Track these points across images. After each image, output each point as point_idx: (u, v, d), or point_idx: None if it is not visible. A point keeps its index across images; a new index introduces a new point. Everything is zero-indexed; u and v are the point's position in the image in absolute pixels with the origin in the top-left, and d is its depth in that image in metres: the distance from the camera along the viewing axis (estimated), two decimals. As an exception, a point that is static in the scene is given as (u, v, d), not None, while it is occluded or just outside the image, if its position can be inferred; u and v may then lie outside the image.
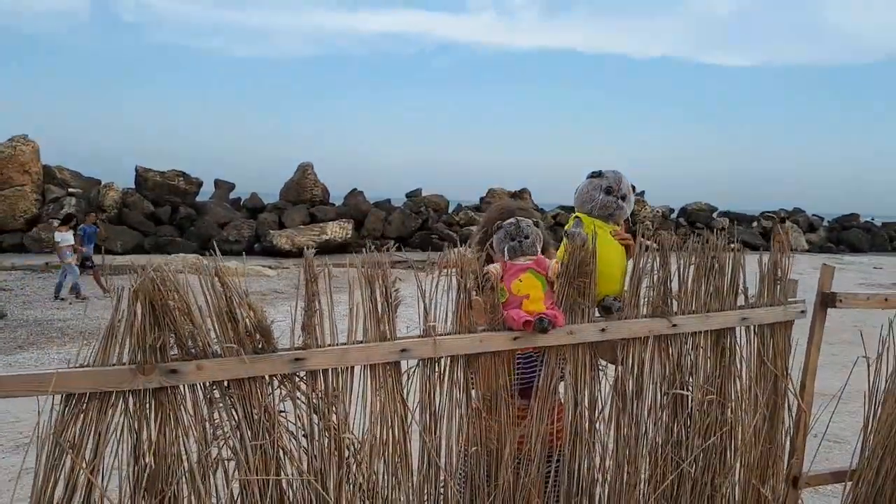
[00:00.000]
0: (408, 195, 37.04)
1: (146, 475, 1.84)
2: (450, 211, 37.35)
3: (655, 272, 2.59)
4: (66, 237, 16.04)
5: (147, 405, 1.87)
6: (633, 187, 2.58)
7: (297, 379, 2.06)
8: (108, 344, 1.83)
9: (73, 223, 17.18)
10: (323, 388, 2.08)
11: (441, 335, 2.21)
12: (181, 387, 1.91)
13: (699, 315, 2.64)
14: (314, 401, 2.07)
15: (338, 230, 31.54)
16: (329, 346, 2.09)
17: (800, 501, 2.96)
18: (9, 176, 28.32)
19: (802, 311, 2.88)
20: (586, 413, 2.47)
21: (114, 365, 1.83)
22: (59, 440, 1.76)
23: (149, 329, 1.85)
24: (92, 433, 1.81)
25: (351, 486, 2.10)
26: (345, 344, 2.12)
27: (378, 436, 2.15)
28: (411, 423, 2.20)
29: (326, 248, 30.46)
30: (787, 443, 2.89)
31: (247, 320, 1.97)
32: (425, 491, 2.21)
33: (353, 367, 2.13)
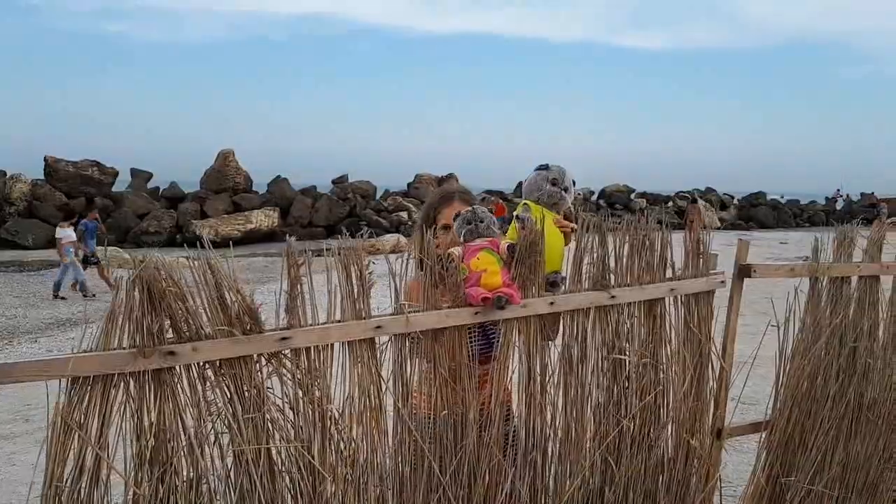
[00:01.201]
0: (334, 181, 36.76)
1: (148, 450, 1.99)
2: (378, 197, 37.33)
3: (595, 250, 2.89)
4: (67, 233, 15.35)
5: (147, 386, 2.01)
6: (574, 182, 2.87)
7: (283, 357, 2.24)
8: (109, 329, 1.96)
9: (74, 219, 16.44)
10: (306, 364, 2.27)
11: (411, 312, 2.43)
12: (177, 367, 2.07)
13: (634, 287, 2.96)
14: (298, 376, 2.26)
15: (263, 218, 31.06)
16: (311, 325, 2.27)
17: (723, 451, 3.35)
18: None
19: (722, 282, 3.25)
20: (538, 378, 2.74)
21: (115, 349, 1.97)
22: (67, 420, 1.89)
23: (147, 314, 1.99)
24: (97, 413, 1.94)
25: (333, 452, 2.30)
26: (325, 323, 2.31)
27: (357, 405, 2.35)
28: (385, 392, 2.42)
29: (253, 237, 29.99)
30: (711, 399, 3.26)
31: (236, 304, 2.13)
32: (400, 453, 2.44)
33: (333, 344, 2.32)
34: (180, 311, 2.05)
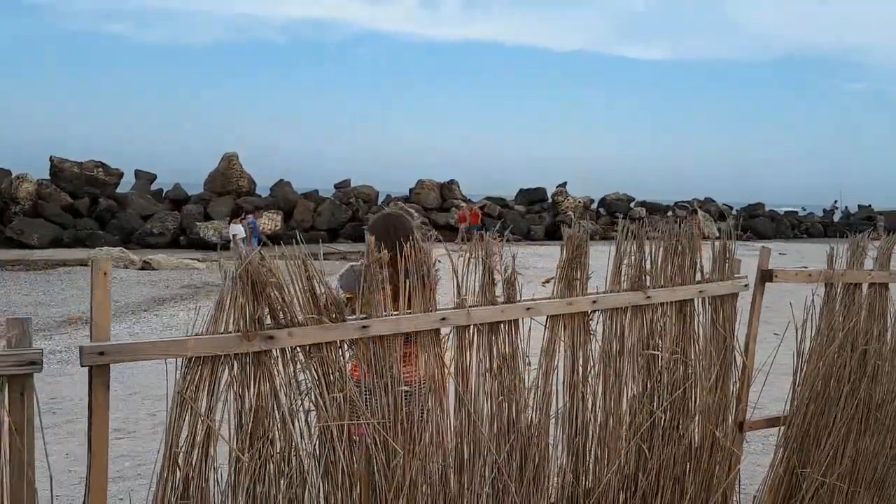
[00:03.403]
0: (336, 186, 36.93)
1: (249, 425, 2.23)
2: (379, 202, 37.51)
3: (633, 254, 3.15)
4: (239, 230, 15.92)
5: (248, 367, 2.25)
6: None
7: (361, 343, 2.49)
8: (217, 316, 2.21)
9: (242, 216, 17.03)
10: (381, 351, 2.52)
11: (472, 306, 2.68)
12: (274, 350, 2.31)
13: (667, 288, 3.21)
14: (374, 362, 2.50)
15: (267, 222, 31.22)
16: (386, 316, 2.52)
17: (745, 443, 3.60)
18: None
19: (746, 285, 3.50)
20: (580, 369, 3.00)
21: (223, 333, 2.21)
22: (183, 395, 2.14)
23: (250, 302, 2.24)
24: (206, 391, 2.18)
25: (402, 431, 2.54)
26: (398, 314, 2.56)
27: (423, 389, 2.60)
28: (448, 377, 2.67)
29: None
30: (734, 395, 3.51)
31: (324, 296, 2.38)
32: (460, 434, 2.69)
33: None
34: (278, 301, 2.30)
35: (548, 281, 2.99)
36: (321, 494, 2.37)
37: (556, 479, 2.92)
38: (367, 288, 2.50)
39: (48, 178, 30.17)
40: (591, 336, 3.03)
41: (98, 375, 2.04)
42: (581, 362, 2.99)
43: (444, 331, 2.70)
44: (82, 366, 2.02)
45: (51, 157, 30.45)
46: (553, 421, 2.91)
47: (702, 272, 3.37)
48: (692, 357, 3.31)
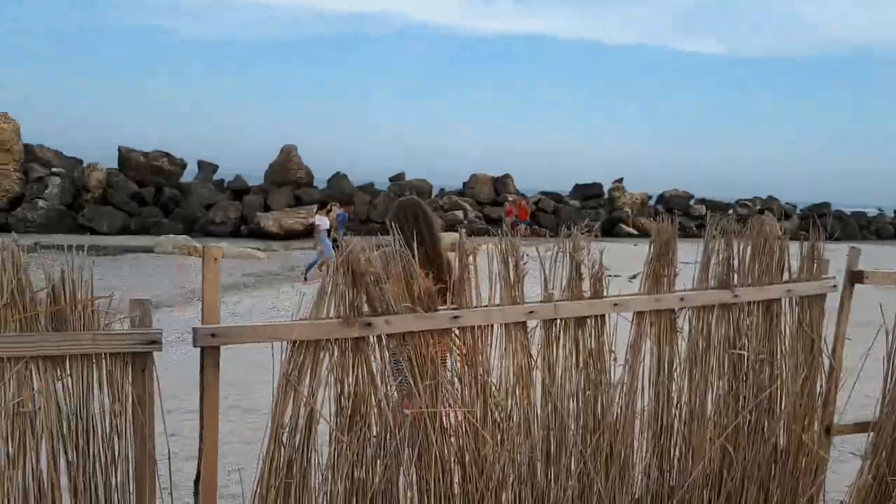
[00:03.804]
0: (391, 179, 37.26)
1: (349, 409, 2.29)
2: (433, 195, 37.65)
3: (721, 252, 3.10)
4: (324, 221, 16.71)
5: (347, 353, 2.31)
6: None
7: (453, 333, 2.52)
8: (319, 302, 2.27)
9: (328, 207, 17.90)
10: (471, 341, 2.55)
11: (560, 300, 2.69)
12: (370, 337, 2.37)
13: (755, 287, 3.15)
14: (464, 351, 2.54)
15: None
16: (476, 307, 2.55)
17: (831, 447, 3.51)
18: (-9, 154, 27.99)
19: (834, 286, 3.41)
20: (666, 367, 2.97)
21: (324, 318, 2.28)
22: (288, 377, 2.21)
23: (350, 290, 2.29)
24: (308, 374, 2.25)
25: (492, 420, 2.57)
26: (487, 306, 2.58)
27: (511, 380, 2.62)
28: (534, 371, 2.68)
29: (312, 231, 30.61)
30: (821, 397, 3.42)
31: (418, 286, 2.42)
32: (546, 426, 2.70)
33: (492, 325, 2.60)
34: (375, 290, 2.35)
35: (635, 276, 2.97)
36: (414, 480, 2.42)
37: (640, 475, 2.91)
38: (458, 279, 2.53)
39: (116, 167, 31.26)
40: (678, 333, 3.00)
41: (209, 356, 2.12)
42: (667, 360, 2.97)
43: (531, 324, 2.71)
44: (195, 346, 2.10)
45: (119, 147, 31.54)
46: (638, 418, 2.90)
47: (789, 272, 3.29)
48: (778, 358, 3.24)
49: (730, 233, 3.10)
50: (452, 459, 2.49)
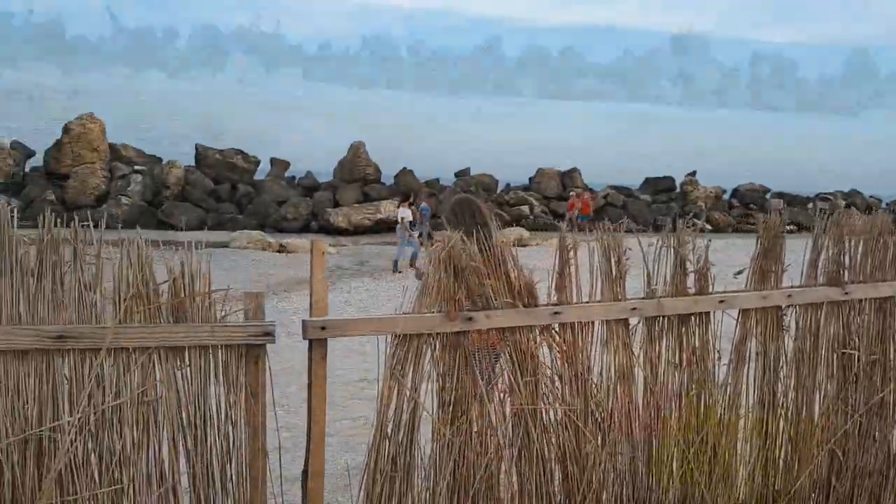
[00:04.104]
0: (457, 174, 37.31)
1: (451, 403, 2.28)
2: (499, 191, 37.51)
3: (830, 248, 2.95)
4: (407, 213, 17.42)
5: (449, 347, 2.31)
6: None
7: (553, 330, 2.48)
8: (421, 297, 2.27)
9: (411, 199, 18.65)
10: (571, 338, 2.50)
11: (663, 297, 2.61)
12: (470, 332, 2.35)
13: (867, 284, 2.99)
14: (565, 348, 2.49)
15: (392, 209, 32.03)
16: (577, 303, 2.50)
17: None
18: (79, 153, 29.42)
19: (954, 284, 3.19)
20: (772, 366, 2.85)
21: (426, 313, 2.27)
22: (392, 370, 2.22)
23: (451, 285, 2.28)
24: (411, 368, 2.25)
25: (593, 420, 2.52)
26: (588, 302, 2.53)
27: (613, 381, 2.56)
28: (636, 369, 2.61)
29: (381, 227, 31.02)
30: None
31: (519, 281, 2.39)
32: (647, 423, 2.63)
33: (593, 322, 2.54)
34: (476, 285, 2.33)
35: (740, 272, 2.86)
36: (514, 477, 2.40)
37: (744, 478, 2.80)
38: (558, 274, 2.49)
39: (193, 164, 32.39)
40: (785, 332, 2.87)
41: (318, 348, 2.15)
42: (773, 359, 2.84)
43: (632, 320, 2.65)
44: (304, 339, 2.13)
45: (196, 145, 32.67)
46: (743, 419, 2.79)
47: (904, 268, 3.11)
48: (892, 359, 3.07)
49: (841, 227, 2.95)
50: (553, 458, 2.45)
